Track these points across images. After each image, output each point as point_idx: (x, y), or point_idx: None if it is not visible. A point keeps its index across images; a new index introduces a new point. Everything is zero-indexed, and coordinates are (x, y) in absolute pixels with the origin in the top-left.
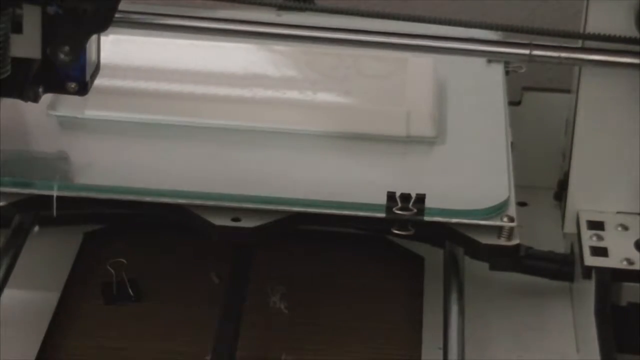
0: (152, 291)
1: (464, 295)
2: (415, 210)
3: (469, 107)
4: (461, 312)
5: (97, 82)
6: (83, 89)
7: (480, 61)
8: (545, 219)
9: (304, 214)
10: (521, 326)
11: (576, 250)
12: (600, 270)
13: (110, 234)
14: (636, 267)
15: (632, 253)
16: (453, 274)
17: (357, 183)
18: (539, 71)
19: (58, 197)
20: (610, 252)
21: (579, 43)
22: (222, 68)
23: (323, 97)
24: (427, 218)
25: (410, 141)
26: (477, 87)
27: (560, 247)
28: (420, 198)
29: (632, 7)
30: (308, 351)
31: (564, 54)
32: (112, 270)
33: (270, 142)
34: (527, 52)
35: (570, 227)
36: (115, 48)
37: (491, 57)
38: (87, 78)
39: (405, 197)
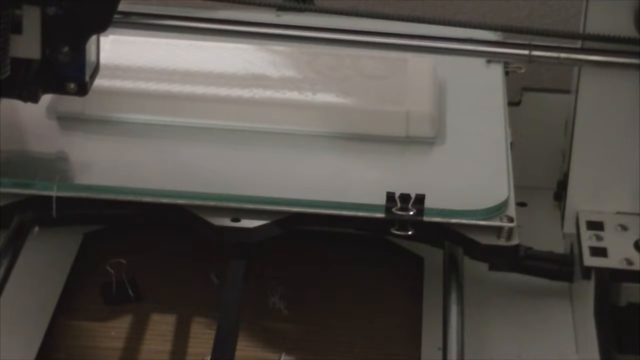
0: (151, 291)
1: (464, 295)
2: (414, 211)
3: (468, 107)
4: (461, 312)
5: (97, 82)
6: (82, 89)
7: (480, 61)
8: (544, 219)
9: (304, 214)
10: (521, 326)
11: (575, 250)
12: (599, 270)
13: (110, 234)
14: (635, 267)
15: (632, 253)
16: (452, 274)
17: (356, 183)
18: (538, 71)
19: (58, 198)
20: (609, 253)
21: (578, 43)
22: (222, 68)
23: (323, 97)
24: (426, 218)
25: (409, 141)
26: (476, 88)
27: (560, 248)
28: (420, 198)
29: (631, 8)
30: (308, 351)
31: (563, 55)
32: (112, 271)
33: (270, 142)
34: (526, 52)
35: (569, 228)
36: (115, 48)
37: (491, 58)
38: (87, 78)
39: (405, 198)
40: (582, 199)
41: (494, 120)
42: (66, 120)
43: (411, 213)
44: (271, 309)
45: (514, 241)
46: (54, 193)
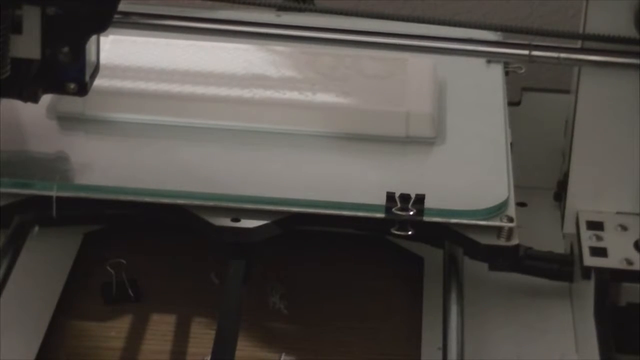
0: (151, 291)
1: (464, 296)
2: (414, 211)
3: (468, 107)
4: (461, 312)
5: (97, 82)
6: (82, 89)
7: (480, 61)
8: (544, 220)
9: (304, 214)
10: (521, 326)
11: (575, 250)
12: (599, 270)
13: (110, 235)
14: (635, 267)
15: (632, 253)
16: (453, 274)
17: (356, 183)
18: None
19: (58, 198)
20: (609, 253)
21: (578, 43)
22: (222, 68)
23: (322, 97)
24: (426, 218)
25: (409, 141)
26: (476, 88)
27: (560, 248)
28: (420, 198)
29: (631, 8)
30: (308, 351)
31: (563, 55)
32: (112, 271)
33: (270, 142)
34: (526, 52)
35: (569, 228)
36: (115, 48)
37: (491, 58)
38: (87, 78)
39: (405, 198)
40: (582, 199)
41: (494, 120)
42: (66, 120)
43: (411, 213)
44: (271, 309)
45: (514, 241)
46: (54, 193)
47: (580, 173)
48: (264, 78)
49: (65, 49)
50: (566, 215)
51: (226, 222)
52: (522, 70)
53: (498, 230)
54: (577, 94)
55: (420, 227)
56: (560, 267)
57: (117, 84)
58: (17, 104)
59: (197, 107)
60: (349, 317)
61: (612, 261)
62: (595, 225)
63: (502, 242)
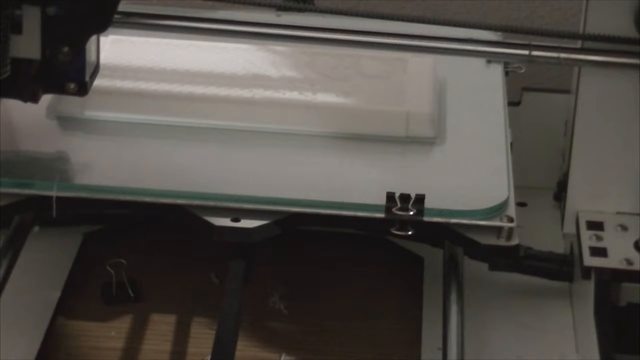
0: (152, 291)
1: (464, 296)
2: (414, 211)
3: (468, 107)
4: (461, 312)
5: (97, 82)
6: (82, 89)
7: (480, 61)
8: (544, 220)
9: (304, 214)
10: (521, 326)
11: (575, 250)
12: (599, 270)
13: (110, 234)
14: (635, 267)
15: (632, 253)
16: (452, 274)
17: (356, 183)
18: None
19: (58, 198)
20: (609, 253)
21: (578, 43)
22: (222, 68)
23: (323, 97)
24: (426, 218)
25: (409, 141)
26: (476, 88)
27: (560, 248)
28: (420, 198)
29: (631, 8)
30: (308, 351)
31: (563, 55)
32: (112, 271)
33: (270, 142)
34: (526, 52)
35: (569, 228)
36: (115, 48)
37: (491, 58)
38: (87, 78)
39: (405, 198)
40: (582, 199)
41: (494, 120)
42: (66, 120)
43: (411, 213)
44: (271, 309)
45: (514, 241)
46: (53, 193)
47: (580, 173)
48: (264, 78)
49: (65, 49)
50: (566, 215)
51: (226, 222)
52: (522, 70)
53: (498, 230)
54: (577, 94)
55: (420, 227)
56: (560, 267)
57: (117, 84)
58: (17, 104)
59: (197, 107)
60: (349, 317)
61: (612, 261)
62: (595, 225)
63: (502, 242)
